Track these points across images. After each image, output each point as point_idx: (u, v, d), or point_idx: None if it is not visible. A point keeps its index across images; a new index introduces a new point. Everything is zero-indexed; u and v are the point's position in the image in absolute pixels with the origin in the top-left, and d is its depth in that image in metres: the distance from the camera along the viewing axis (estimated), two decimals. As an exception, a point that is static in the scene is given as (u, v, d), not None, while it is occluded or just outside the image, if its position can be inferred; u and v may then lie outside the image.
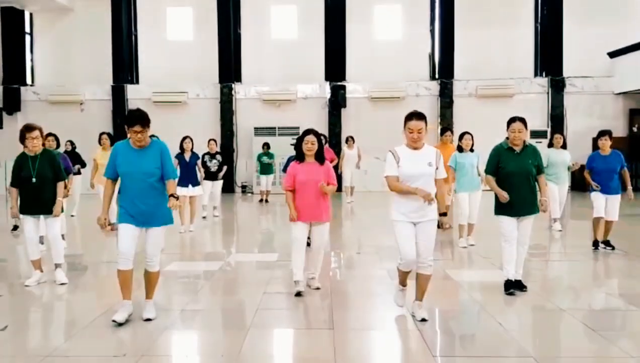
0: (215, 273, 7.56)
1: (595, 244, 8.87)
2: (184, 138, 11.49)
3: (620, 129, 19.39)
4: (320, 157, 6.32)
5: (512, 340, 4.82)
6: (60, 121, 18.49)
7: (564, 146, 10.88)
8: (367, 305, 6.03)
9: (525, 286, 6.29)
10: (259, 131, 19.71)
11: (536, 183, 6.25)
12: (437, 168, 5.11)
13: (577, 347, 4.66)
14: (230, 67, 20.43)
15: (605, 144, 8.78)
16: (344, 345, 4.71)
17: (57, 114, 19.70)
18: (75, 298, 6.45)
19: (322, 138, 6.58)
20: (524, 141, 6.20)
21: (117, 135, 20.04)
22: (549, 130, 19.46)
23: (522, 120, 6.19)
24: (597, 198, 8.78)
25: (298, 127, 19.07)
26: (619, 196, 8.74)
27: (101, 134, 11.38)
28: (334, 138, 19.31)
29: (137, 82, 21.11)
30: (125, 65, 20.68)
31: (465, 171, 9.07)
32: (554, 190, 10.77)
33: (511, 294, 6.14)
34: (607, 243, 8.81)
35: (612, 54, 19.04)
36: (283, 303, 6.05)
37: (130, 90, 20.62)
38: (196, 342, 5.06)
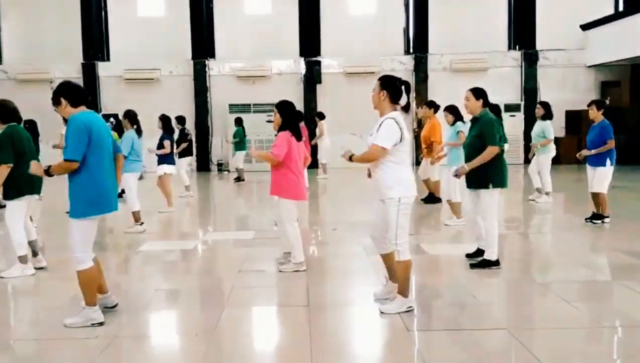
0: (190, 252, 7.51)
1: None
2: None
3: (593, 102, 19.54)
4: (280, 129, 6.18)
5: (486, 313, 4.87)
6: (29, 99, 18.02)
7: (546, 116, 10.75)
8: (343, 282, 6.03)
9: (473, 263, 6.27)
10: (233, 108, 19.49)
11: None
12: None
13: (550, 318, 4.71)
14: (203, 43, 20.15)
15: (591, 113, 8.76)
16: (319, 322, 4.70)
17: (27, 93, 19.21)
18: (44, 282, 6.33)
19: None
20: (478, 112, 6.15)
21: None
22: (522, 103, 19.60)
23: (473, 89, 6.19)
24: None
25: (273, 104, 18.81)
26: (598, 169, 8.63)
27: None
28: (310, 115, 19.15)
29: (108, 59, 20.72)
30: (95, 42, 20.28)
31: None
32: (540, 161, 10.83)
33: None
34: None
35: (585, 27, 19.14)
36: (259, 281, 6.02)
37: (101, 67, 20.25)
38: (170, 322, 5.02)
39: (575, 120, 19.27)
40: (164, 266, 6.87)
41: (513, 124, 18.91)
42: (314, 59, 19.95)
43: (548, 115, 10.70)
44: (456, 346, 4.21)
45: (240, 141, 16.11)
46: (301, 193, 6.28)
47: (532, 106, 19.44)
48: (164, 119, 11.42)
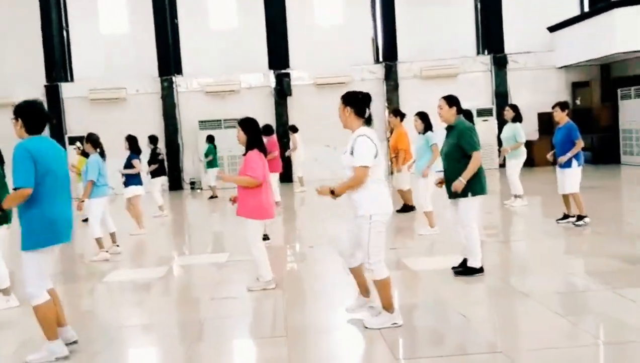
0: (159, 280, 7.03)
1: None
2: None
3: (564, 103, 19.56)
4: (246, 147, 6.08)
5: (477, 334, 4.55)
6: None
7: (516, 119, 10.65)
8: (321, 305, 5.69)
9: (458, 271, 6.14)
10: (204, 124, 19.08)
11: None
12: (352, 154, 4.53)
13: (545, 335, 4.43)
14: (169, 60, 19.69)
15: (555, 115, 8.72)
16: (298, 353, 4.35)
17: (-12, 119, 18.62)
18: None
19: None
20: (454, 120, 6.02)
21: (53, 137, 19.16)
22: (494, 108, 19.52)
23: (446, 97, 6.09)
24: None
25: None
26: (565, 170, 8.49)
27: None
28: (281, 128, 18.86)
29: (72, 80, 20.15)
30: (58, 63, 19.70)
31: (420, 153, 8.89)
32: (510, 165, 10.70)
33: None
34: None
35: (552, 28, 19.14)
36: (232, 309, 5.63)
37: (65, 89, 19.65)
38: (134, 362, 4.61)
39: (548, 122, 19.09)
40: (130, 297, 6.43)
41: (486, 129, 18.77)
42: (284, 71, 19.66)
43: (518, 117, 10.61)
44: (448, 374, 3.91)
45: (212, 158, 15.84)
46: (269, 212, 6.13)
47: (509, 106, 19.42)
48: (131, 139, 10.99)
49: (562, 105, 8.79)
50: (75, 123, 19.37)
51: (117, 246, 8.88)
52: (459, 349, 4.28)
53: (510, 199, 10.94)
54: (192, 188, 19.52)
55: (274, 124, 18.65)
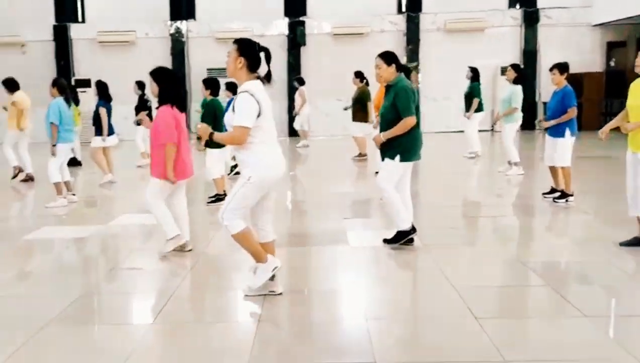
0: (80, 241, 6.40)
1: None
2: None
3: (597, 64, 18.13)
4: (159, 100, 5.60)
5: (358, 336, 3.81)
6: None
7: (518, 80, 9.77)
8: (223, 284, 4.98)
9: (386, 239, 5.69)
10: (212, 72, 18.35)
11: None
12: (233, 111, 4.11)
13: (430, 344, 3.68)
14: (181, 3, 18.97)
15: (553, 79, 7.73)
16: (159, 345, 3.71)
17: (-2, 58, 18.33)
18: None
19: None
20: (393, 79, 5.42)
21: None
22: (521, 66, 18.15)
23: (383, 54, 5.44)
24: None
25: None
26: (558, 140, 7.55)
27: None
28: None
29: (83, 20, 19.64)
30: (68, 2, 19.18)
31: None
32: (504, 130, 9.87)
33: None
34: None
35: (591, -18, 17.57)
36: (122, 284, 5.00)
37: (74, 30, 19.16)
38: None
39: (577, 84, 17.75)
40: (33, 260, 5.88)
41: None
42: (298, 19, 18.69)
43: (519, 79, 9.62)
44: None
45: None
46: (184, 172, 5.65)
47: (532, 69, 18.17)
48: (99, 86, 10.45)
49: (562, 67, 7.75)
50: (83, 66, 18.94)
51: (73, 194, 8.72)
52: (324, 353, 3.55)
53: (505, 166, 10.02)
54: (198, 138, 18.86)
55: (286, 75, 17.99)
